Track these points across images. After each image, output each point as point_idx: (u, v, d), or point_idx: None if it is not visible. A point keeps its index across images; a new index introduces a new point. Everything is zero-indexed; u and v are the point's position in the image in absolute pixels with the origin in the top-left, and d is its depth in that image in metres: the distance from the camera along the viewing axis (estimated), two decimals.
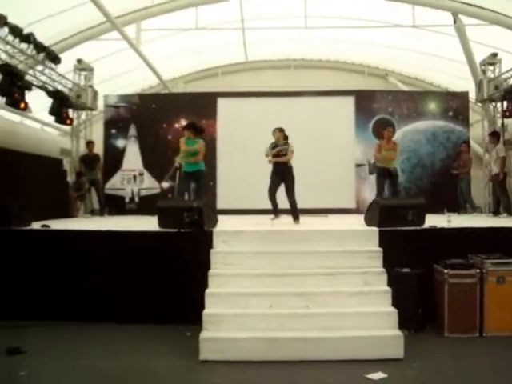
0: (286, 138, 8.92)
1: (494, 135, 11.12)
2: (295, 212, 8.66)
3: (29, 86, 10.19)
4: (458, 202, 12.04)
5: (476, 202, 12.42)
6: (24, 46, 9.94)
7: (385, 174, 10.49)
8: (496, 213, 10.59)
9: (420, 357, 5.44)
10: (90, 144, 12.89)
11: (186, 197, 9.17)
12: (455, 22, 12.03)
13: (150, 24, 12.97)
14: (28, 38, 9.82)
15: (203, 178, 9.37)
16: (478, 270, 6.38)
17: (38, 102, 11.63)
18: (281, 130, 8.89)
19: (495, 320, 6.29)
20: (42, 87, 11.22)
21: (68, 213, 11.96)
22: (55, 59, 11.02)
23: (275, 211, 8.91)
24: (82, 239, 7.21)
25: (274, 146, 8.82)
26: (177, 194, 10.59)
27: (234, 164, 12.82)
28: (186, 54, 16.01)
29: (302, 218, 8.71)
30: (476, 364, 5.36)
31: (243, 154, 12.54)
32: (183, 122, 13.34)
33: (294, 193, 8.72)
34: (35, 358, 5.54)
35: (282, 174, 8.78)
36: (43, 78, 11.16)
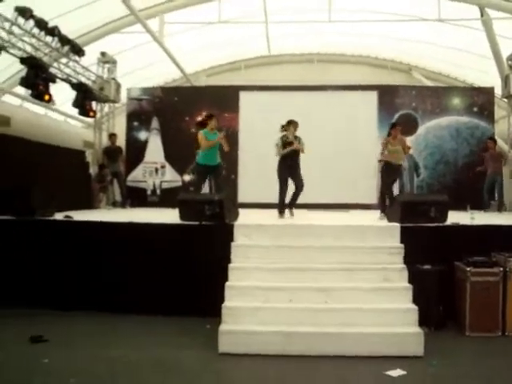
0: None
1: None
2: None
3: (53, 79, 10.29)
4: (482, 199, 11.84)
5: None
6: (49, 38, 10.05)
7: (390, 171, 9.45)
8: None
9: (440, 355, 5.40)
10: (112, 136, 12.98)
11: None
12: (482, 15, 11.83)
13: (173, 17, 13.00)
14: (53, 31, 9.92)
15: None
16: (501, 269, 6.29)
17: (62, 94, 11.76)
18: (290, 123, 8.74)
19: None
20: (66, 80, 11.35)
21: (90, 204, 12.10)
22: (79, 52, 11.13)
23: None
24: (104, 231, 7.28)
25: (286, 141, 8.63)
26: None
27: (256, 158, 12.80)
28: (208, 48, 16.01)
29: (323, 213, 8.66)
30: (497, 363, 5.29)
31: (265, 147, 12.43)
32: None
33: None
34: (58, 346, 5.62)
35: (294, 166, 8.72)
36: (67, 70, 11.28)
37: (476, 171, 12.09)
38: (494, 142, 12.17)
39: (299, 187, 8.62)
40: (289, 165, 8.63)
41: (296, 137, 8.70)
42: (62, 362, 5.17)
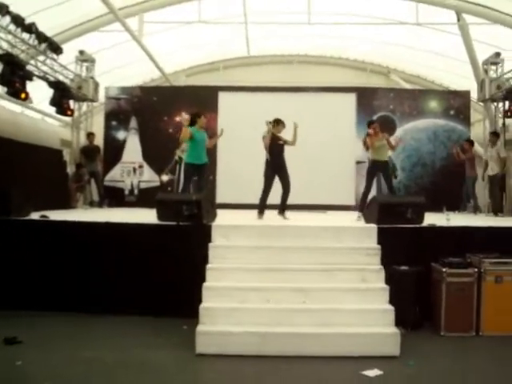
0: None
1: (496, 135, 11.09)
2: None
3: (30, 76, 10.16)
4: (462, 200, 11.98)
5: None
6: (26, 35, 9.92)
7: (378, 168, 9.39)
8: (496, 212, 10.59)
9: (416, 355, 5.45)
10: (90, 136, 12.87)
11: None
12: (459, 20, 11.99)
13: (152, 16, 12.92)
14: (30, 28, 9.79)
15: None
16: (475, 270, 6.38)
17: (40, 92, 11.60)
18: (278, 123, 8.68)
19: (492, 319, 6.30)
20: (44, 77, 11.20)
21: (67, 204, 11.96)
22: (57, 50, 11.00)
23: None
24: (80, 230, 7.21)
25: (274, 135, 8.62)
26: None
27: (234, 158, 12.81)
28: (188, 48, 15.96)
29: (301, 214, 8.69)
30: (471, 363, 5.38)
31: (243, 148, 12.52)
32: (184, 116, 13.34)
33: None
34: (32, 348, 5.55)
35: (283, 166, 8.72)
36: (44, 68, 11.14)
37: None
38: (471, 144, 12.32)
39: (286, 189, 8.64)
40: (277, 163, 8.63)
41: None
42: (36, 364, 5.10)
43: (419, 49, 15.26)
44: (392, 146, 9.49)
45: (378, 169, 9.36)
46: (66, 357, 5.30)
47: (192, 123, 8.75)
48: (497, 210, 10.69)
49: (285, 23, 13.89)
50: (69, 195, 12.40)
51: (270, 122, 8.64)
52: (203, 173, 8.92)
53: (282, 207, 8.66)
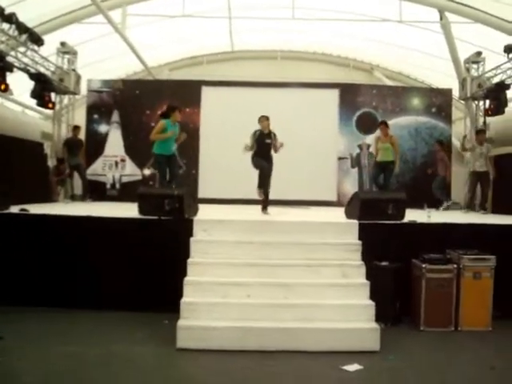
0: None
1: (484, 132, 11.16)
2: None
3: (10, 68, 9.99)
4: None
5: (456, 198, 12.53)
6: (6, 26, 9.74)
7: (379, 167, 10.68)
8: (482, 207, 10.68)
9: (395, 349, 5.51)
10: (76, 129, 12.63)
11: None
12: (441, 18, 12.08)
13: (136, 9, 12.80)
14: (10, 18, 9.61)
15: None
16: (455, 266, 6.46)
17: (20, 84, 11.43)
18: (267, 119, 8.72)
19: (470, 315, 6.40)
20: (24, 69, 11.04)
21: (48, 197, 11.83)
22: (38, 41, 10.82)
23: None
24: (60, 224, 7.14)
25: (260, 136, 8.66)
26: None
27: (217, 153, 12.77)
28: (171, 41, 15.87)
29: (283, 209, 8.71)
30: (450, 357, 5.45)
31: (226, 143, 12.48)
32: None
33: None
34: (13, 344, 5.49)
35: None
36: (25, 59, 10.95)
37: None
38: (441, 144, 12.40)
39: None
40: (264, 157, 8.66)
41: (270, 132, 8.72)
42: (15, 359, 5.06)
43: (402, 46, 15.35)
44: (395, 150, 10.49)
45: (379, 167, 10.60)
46: (46, 352, 5.26)
47: (166, 116, 8.75)
48: (484, 206, 10.78)
49: (269, 18, 13.86)
50: (49, 189, 12.26)
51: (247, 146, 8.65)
52: (174, 162, 9.03)
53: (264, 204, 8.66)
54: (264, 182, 8.65)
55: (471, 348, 5.84)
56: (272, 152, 8.77)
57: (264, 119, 8.71)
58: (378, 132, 11.17)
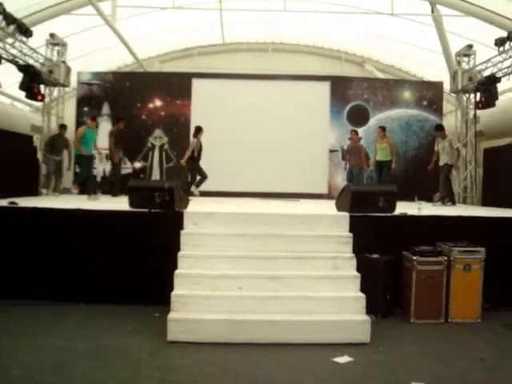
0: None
1: (443, 128, 11.16)
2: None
3: None
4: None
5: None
6: None
7: (377, 166, 11.83)
8: (443, 201, 10.70)
9: (386, 341, 5.52)
10: (62, 128, 12.34)
11: None
12: (433, 11, 12.09)
13: (126, 1, 12.72)
14: None
15: None
16: (445, 258, 6.48)
17: (9, 76, 11.31)
18: None
19: (460, 307, 6.43)
20: (13, 61, 10.89)
21: (37, 190, 11.74)
22: (26, 32, 10.69)
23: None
24: (50, 217, 7.07)
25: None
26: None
27: (207, 146, 12.71)
28: (162, 33, 15.78)
29: (274, 202, 8.68)
30: (440, 349, 5.46)
31: (217, 135, 12.47)
32: (157, 102, 13.24)
33: None
34: (1, 337, 5.46)
35: None
36: (13, 51, 10.81)
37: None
38: (356, 133, 12.46)
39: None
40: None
41: None
42: (5, 352, 5.02)
43: (394, 39, 15.38)
44: (391, 150, 11.68)
45: (377, 166, 11.77)
46: (35, 346, 5.22)
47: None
48: (445, 198, 10.79)
49: (260, 10, 13.80)
50: (38, 182, 12.13)
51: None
52: (91, 162, 11.22)
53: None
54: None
55: (461, 340, 5.85)
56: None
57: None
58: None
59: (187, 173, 11.09)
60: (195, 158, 10.79)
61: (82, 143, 10.83)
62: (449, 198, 10.68)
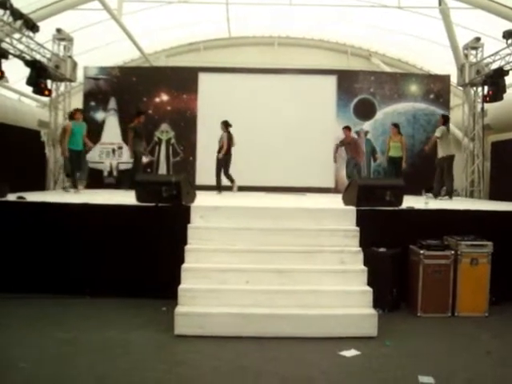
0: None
1: (442, 117, 11.11)
2: None
3: (5, 55, 9.90)
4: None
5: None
6: (0, 12, 9.65)
7: (390, 162, 12.01)
8: (436, 195, 10.66)
9: (393, 335, 5.52)
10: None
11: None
12: (440, 4, 11.99)
13: None
14: (4, 4, 9.51)
15: None
16: (452, 252, 6.46)
17: (16, 71, 11.34)
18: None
19: (467, 301, 6.41)
20: (20, 56, 10.92)
21: (45, 185, 11.78)
22: (33, 27, 10.71)
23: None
24: (58, 212, 7.12)
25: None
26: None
27: (214, 140, 12.71)
28: (168, 28, 15.77)
29: (281, 196, 8.69)
30: (446, 343, 5.46)
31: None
32: (164, 96, 13.25)
33: None
34: (7, 330, 5.50)
35: None
36: (20, 46, 10.84)
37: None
38: (349, 129, 12.47)
39: None
40: None
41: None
42: (12, 345, 5.06)
43: (400, 32, 15.28)
44: (403, 147, 11.82)
45: (390, 162, 11.95)
46: (41, 339, 5.25)
47: (71, 117, 10.48)
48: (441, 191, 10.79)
49: (266, 4, 13.75)
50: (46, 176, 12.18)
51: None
52: (83, 157, 10.99)
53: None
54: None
55: (468, 333, 5.85)
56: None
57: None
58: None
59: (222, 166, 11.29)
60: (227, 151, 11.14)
61: (70, 138, 10.44)
62: (446, 192, 10.66)
